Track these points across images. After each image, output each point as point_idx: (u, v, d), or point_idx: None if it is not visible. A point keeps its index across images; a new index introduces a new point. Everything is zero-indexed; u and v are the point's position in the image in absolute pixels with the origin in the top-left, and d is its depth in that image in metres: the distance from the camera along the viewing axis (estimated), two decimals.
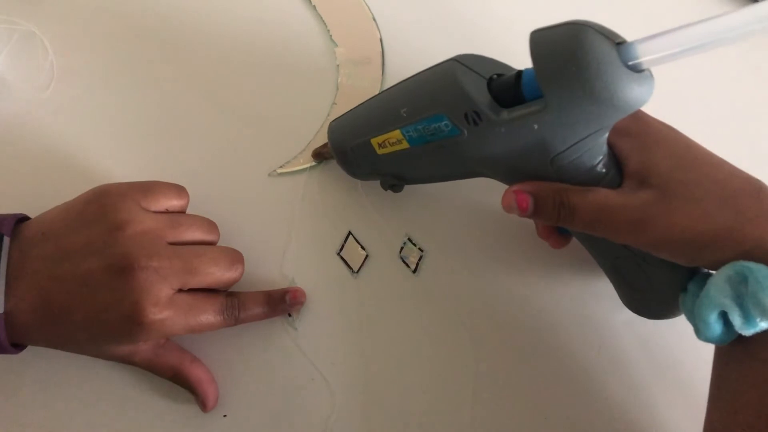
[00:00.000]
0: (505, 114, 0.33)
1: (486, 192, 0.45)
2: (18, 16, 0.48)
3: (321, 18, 0.50)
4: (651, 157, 0.34)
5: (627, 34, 0.31)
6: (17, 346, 0.38)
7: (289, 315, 0.43)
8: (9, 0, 0.49)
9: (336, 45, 0.49)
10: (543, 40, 0.31)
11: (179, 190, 0.41)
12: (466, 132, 0.35)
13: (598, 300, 0.44)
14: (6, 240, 0.36)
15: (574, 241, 0.41)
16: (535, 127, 0.33)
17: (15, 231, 0.38)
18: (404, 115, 0.37)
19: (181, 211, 0.41)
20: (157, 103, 0.47)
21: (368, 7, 0.50)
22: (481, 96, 0.34)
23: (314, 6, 0.50)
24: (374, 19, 0.50)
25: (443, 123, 0.35)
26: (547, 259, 0.45)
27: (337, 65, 0.49)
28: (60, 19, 0.49)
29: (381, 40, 0.49)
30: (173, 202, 0.40)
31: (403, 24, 0.50)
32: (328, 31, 0.49)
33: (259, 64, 0.49)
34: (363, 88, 0.47)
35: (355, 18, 0.50)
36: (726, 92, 0.51)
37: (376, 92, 0.48)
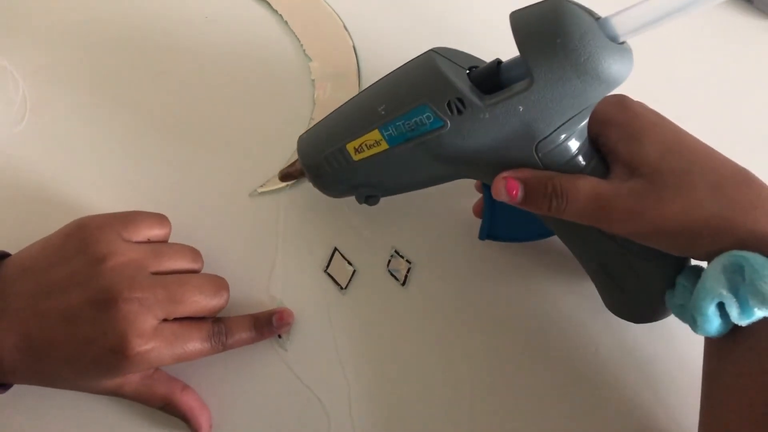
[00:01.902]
0: (489, 99, 0.33)
1: (471, 197, 0.45)
2: None
3: (294, 33, 0.49)
4: (639, 147, 0.34)
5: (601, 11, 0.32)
6: (3, 386, 0.37)
7: (279, 336, 0.42)
8: None
9: (310, 60, 0.49)
10: (524, 18, 0.32)
11: (161, 219, 0.41)
12: (449, 123, 0.34)
13: (591, 303, 0.43)
14: None
15: (561, 244, 0.41)
16: (520, 108, 0.32)
17: None
18: (383, 112, 0.36)
19: (164, 240, 0.41)
20: (132, 131, 0.47)
21: (340, 19, 0.50)
22: (464, 83, 0.34)
23: (286, 22, 0.50)
24: (347, 30, 0.50)
25: (425, 115, 0.35)
26: (537, 263, 0.45)
27: (313, 80, 0.48)
28: (30, 51, 0.48)
29: (355, 52, 0.49)
30: (155, 232, 0.40)
31: (376, 34, 0.50)
32: (302, 46, 0.49)
33: (235, 84, 0.48)
34: (340, 102, 0.47)
35: (327, 32, 0.50)
36: (702, 79, 0.51)
37: None
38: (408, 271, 0.44)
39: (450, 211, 0.46)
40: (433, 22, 0.51)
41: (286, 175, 0.44)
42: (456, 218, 0.46)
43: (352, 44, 0.49)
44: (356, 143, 0.37)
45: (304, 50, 0.49)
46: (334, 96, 0.48)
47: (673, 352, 0.43)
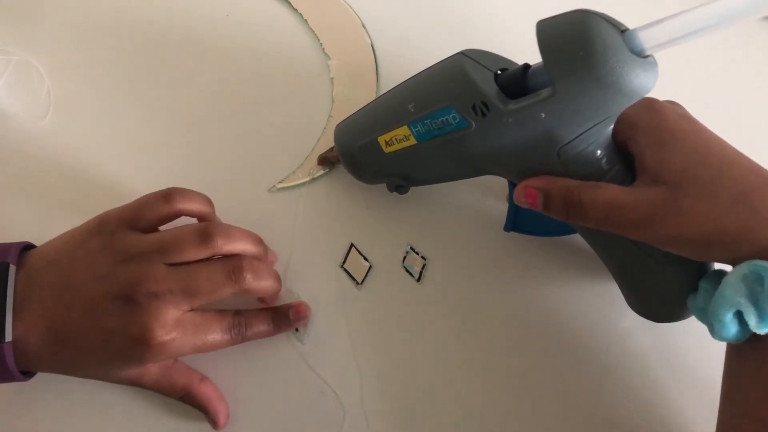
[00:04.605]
0: (513, 104, 0.34)
1: (486, 195, 0.45)
2: (13, 46, 0.48)
3: (313, 32, 0.50)
4: (665, 153, 0.34)
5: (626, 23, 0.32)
6: (26, 374, 0.38)
7: (296, 330, 0.43)
8: (3, 30, 0.49)
9: (329, 58, 0.49)
10: (550, 28, 0.32)
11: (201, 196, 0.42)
12: (473, 124, 0.35)
13: (605, 301, 0.44)
14: (12, 269, 0.37)
15: (579, 242, 0.41)
16: (543, 116, 0.33)
17: (20, 259, 0.38)
18: (412, 110, 0.37)
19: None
20: (154, 125, 0.48)
21: (358, 18, 0.51)
22: (489, 87, 0.35)
23: (306, 20, 0.50)
24: (365, 28, 0.50)
25: (451, 116, 0.35)
26: (552, 261, 0.45)
27: (332, 78, 0.49)
28: (54, 47, 0.49)
29: (373, 50, 0.50)
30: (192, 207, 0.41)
31: (395, 32, 0.51)
32: (321, 44, 0.50)
33: (254, 82, 0.49)
34: (358, 100, 0.48)
35: (346, 30, 0.50)
36: (720, 86, 0.51)
37: None
38: (423, 267, 0.45)
39: (465, 209, 0.46)
40: (451, 20, 0.51)
41: (323, 160, 0.46)
42: (471, 215, 0.46)
43: (370, 42, 0.50)
44: (387, 137, 0.39)
45: (323, 48, 0.50)
46: (353, 95, 0.48)
47: (686, 353, 0.43)
